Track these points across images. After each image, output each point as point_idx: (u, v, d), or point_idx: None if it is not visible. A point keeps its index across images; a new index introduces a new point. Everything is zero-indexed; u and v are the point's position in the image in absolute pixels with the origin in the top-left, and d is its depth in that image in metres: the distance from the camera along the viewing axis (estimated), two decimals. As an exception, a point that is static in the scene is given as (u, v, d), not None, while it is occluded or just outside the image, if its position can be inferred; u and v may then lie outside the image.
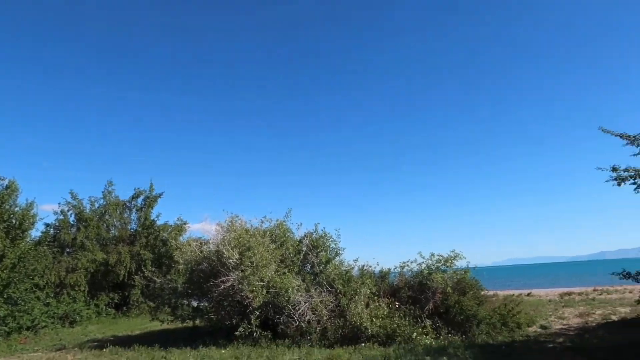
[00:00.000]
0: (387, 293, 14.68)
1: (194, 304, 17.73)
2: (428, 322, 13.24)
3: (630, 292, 23.81)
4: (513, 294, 24.66)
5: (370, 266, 15.38)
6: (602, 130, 11.39)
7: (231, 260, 13.68)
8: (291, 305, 13.37)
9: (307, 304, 13.40)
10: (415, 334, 12.43)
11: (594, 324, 14.31)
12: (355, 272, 15.43)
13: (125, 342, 15.35)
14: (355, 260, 15.50)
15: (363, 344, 12.17)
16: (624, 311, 16.69)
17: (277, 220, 16.48)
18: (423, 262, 15.01)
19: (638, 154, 10.66)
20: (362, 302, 13.20)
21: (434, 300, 13.91)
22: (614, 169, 11.39)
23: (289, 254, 15.32)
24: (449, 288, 13.90)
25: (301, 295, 13.56)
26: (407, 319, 13.09)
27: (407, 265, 15.32)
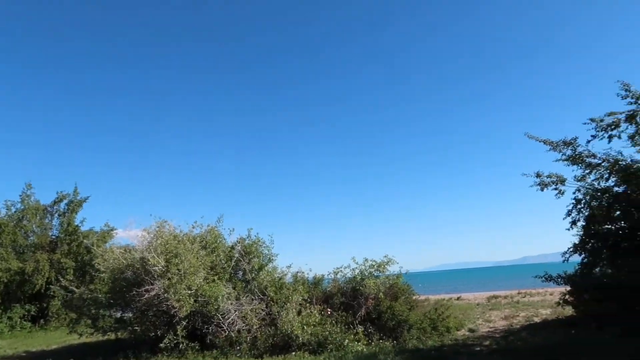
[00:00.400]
0: (320, 300, 14.47)
1: (117, 315, 16.69)
2: (360, 329, 13.15)
3: (550, 295, 25.02)
4: (444, 298, 25.25)
5: (303, 272, 15.15)
6: (528, 136, 11.81)
7: (157, 268, 12.92)
8: (220, 314, 12.84)
9: (237, 313, 12.93)
10: (347, 341, 12.27)
11: (518, 326, 14.80)
12: (288, 278, 15.12)
13: (39, 357, 14.20)
14: (289, 267, 15.21)
15: (293, 353, 11.87)
16: (545, 313, 17.43)
17: (208, 226, 15.83)
18: (357, 268, 14.96)
19: (559, 160, 11.14)
20: (294, 310, 12.91)
21: (366, 306, 13.87)
22: (538, 175, 11.84)
23: (220, 260, 14.75)
24: (381, 294, 13.91)
25: (231, 304, 13.07)
26: (339, 325, 12.94)
27: (341, 271, 15.22)
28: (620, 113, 10.34)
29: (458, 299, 26.40)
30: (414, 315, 13.74)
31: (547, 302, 21.44)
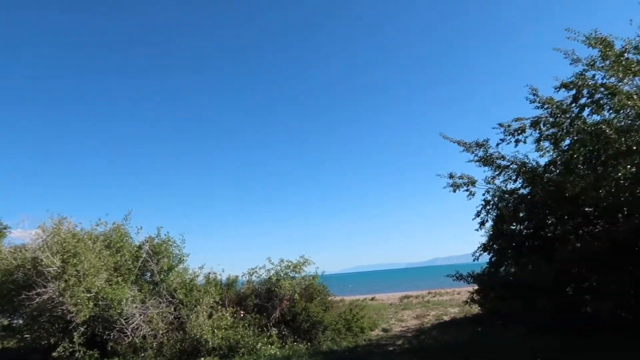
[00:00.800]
0: (233, 302, 13.93)
1: (4, 322, 15.03)
2: (274, 331, 12.79)
3: (458, 294, 26.21)
4: (358, 299, 25.57)
5: (216, 273, 14.49)
6: (443, 137, 12.09)
7: (51, 269, 11.72)
8: (124, 319, 11.89)
9: (142, 317, 12.05)
10: (260, 344, 11.87)
11: (429, 325, 15.21)
12: (200, 280, 14.40)
13: None
14: (201, 268, 14.48)
15: (203, 359, 11.26)
16: (454, 311, 18.13)
17: (114, 224, 14.66)
18: (272, 269, 14.58)
19: (472, 160, 11.52)
20: (205, 313, 12.26)
21: (281, 307, 13.53)
22: (451, 176, 12.17)
23: (126, 261, 13.69)
24: (296, 295, 13.65)
25: (136, 307, 12.16)
26: (252, 328, 12.49)
27: (256, 272, 14.77)
28: (527, 119, 10.87)
29: (372, 299, 26.92)
30: (329, 316, 13.63)
31: (456, 301, 22.39)
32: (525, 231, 11.21)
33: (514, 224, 11.23)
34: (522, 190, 11.22)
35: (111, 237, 14.23)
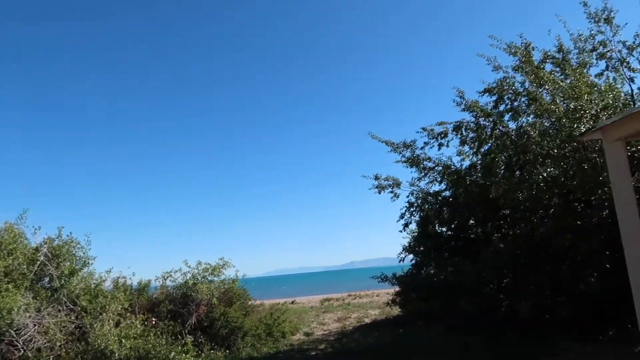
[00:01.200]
0: (145, 308, 12.85)
1: None
2: (190, 339, 11.89)
3: (377, 296, 26.51)
4: (279, 303, 24.98)
5: (125, 278, 13.24)
6: (371, 136, 11.92)
7: None
8: (14, 330, 10.48)
9: (37, 327, 10.68)
10: (173, 353, 10.91)
11: (351, 328, 15.00)
12: (107, 285, 13.11)
13: None
14: (109, 272, 13.13)
15: (107, 373, 10.16)
16: (374, 313, 18.15)
17: (5, 223, 12.99)
18: (189, 272, 13.70)
19: (399, 161, 11.46)
20: (111, 321, 11.12)
21: (197, 313, 12.69)
22: (376, 178, 12.04)
23: (19, 264, 12.14)
24: (215, 299, 12.88)
25: (30, 317, 10.75)
26: (165, 336, 11.53)
27: (171, 275, 13.79)
28: (450, 123, 11.00)
29: (293, 303, 26.48)
30: (249, 321, 12.99)
31: (375, 303, 22.55)
32: (448, 232, 11.34)
33: (438, 225, 11.32)
34: (446, 193, 11.34)
35: (2, 238, 12.59)
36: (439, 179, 11.15)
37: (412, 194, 11.99)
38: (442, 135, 10.87)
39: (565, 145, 7.71)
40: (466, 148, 10.96)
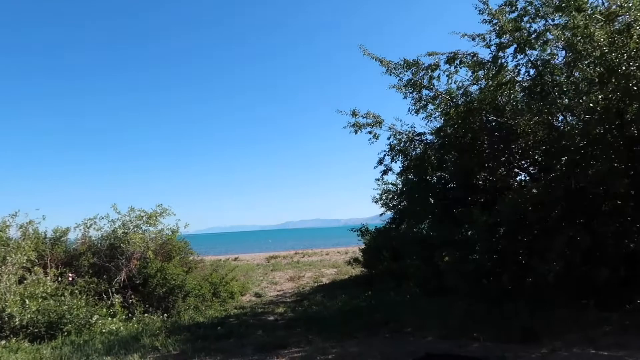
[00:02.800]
0: (60, 262, 10.43)
1: None
2: (118, 299, 9.71)
3: (327, 254, 25.08)
4: (220, 259, 22.96)
5: (34, 223, 10.62)
6: (363, 52, 9.70)
7: None
8: None
9: None
10: (96, 317, 8.70)
11: (309, 288, 13.28)
12: (13, 232, 10.48)
13: None
14: (14, 215, 10.43)
15: (3, 342, 7.75)
16: (330, 273, 16.57)
17: None
18: (118, 219, 11.31)
19: (395, 86, 9.40)
20: (12, 276, 8.61)
21: (128, 268, 10.42)
22: (354, 114, 10.02)
23: None
24: (150, 252, 10.65)
25: None
26: (86, 296, 9.24)
27: (95, 222, 11.31)
28: (442, 54, 9.09)
29: (236, 259, 24.40)
30: (192, 279, 10.88)
31: (327, 261, 21.01)
32: (449, 180, 9.33)
33: (432, 172, 9.28)
34: (448, 130, 9.17)
35: None
36: (436, 115, 9.22)
37: (395, 135, 10.10)
38: (434, 68, 8.94)
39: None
40: (480, 73, 8.76)
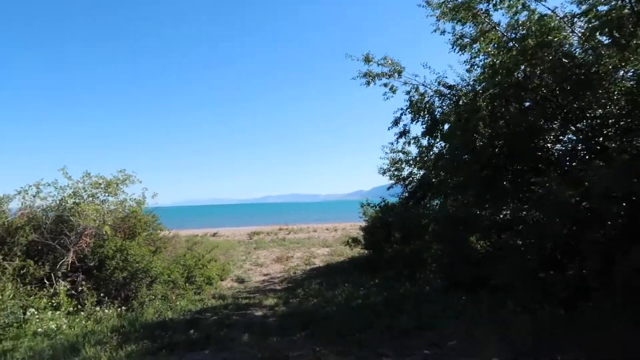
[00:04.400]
0: (-10, 238, 8.23)
1: None
2: (63, 287, 7.65)
3: (314, 231, 23.19)
4: (197, 235, 20.95)
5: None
6: None
7: None
8: None
9: None
10: (32, 310, 6.67)
11: (301, 273, 11.40)
12: None
13: None
14: None
15: None
16: (322, 253, 14.68)
17: None
18: (69, 186, 9.10)
19: (436, 14, 7.25)
20: None
21: (78, 247, 8.34)
22: (367, 59, 7.97)
23: None
24: (107, 227, 8.54)
25: None
26: (20, 284, 7.16)
27: (40, 190, 9.08)
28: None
29: (214, 235, 22.39)
30: (160, 261, 8.85)
31: (316, 239, 19.14)
32: (502, 145, 7.08)
33: (483, 129, 7.08)
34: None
35: None
36: (484, 57, 7.17)
37: (417, 88, 8.07)
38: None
39: None
40: None
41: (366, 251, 11.78)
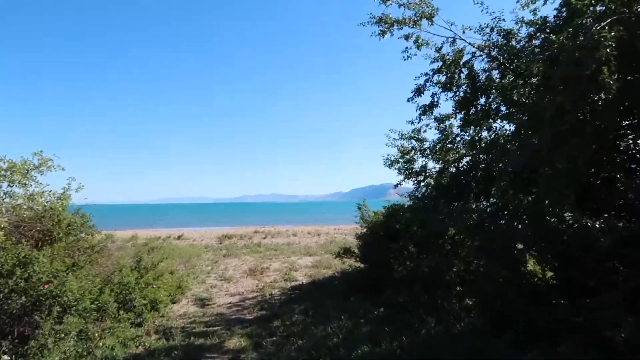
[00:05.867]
0: None
1: None
2: None
3: (294, 235, 20.63)
4: (159, 237, 18.34)
5: None
6: None
7: None
8: None
9: None
10: None
11: (279, 293, 8.87)
12: None
13: None
14: None
15: None
16: (305, 264, 12.18)
17: None
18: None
19: None
20: None
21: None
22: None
23: None
24: (0, 233, 5.94)
25: None
26: None
27: None
28: None
29: (179, 238, 19.66)
30: (79, 279, 6.28)
31: (296, 246, 16.62)
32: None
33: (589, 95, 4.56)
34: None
35: None
36: None
37: (453, 41, 5.70)
38: None
39: None
40: None
41: (362, 265, 9.31)
